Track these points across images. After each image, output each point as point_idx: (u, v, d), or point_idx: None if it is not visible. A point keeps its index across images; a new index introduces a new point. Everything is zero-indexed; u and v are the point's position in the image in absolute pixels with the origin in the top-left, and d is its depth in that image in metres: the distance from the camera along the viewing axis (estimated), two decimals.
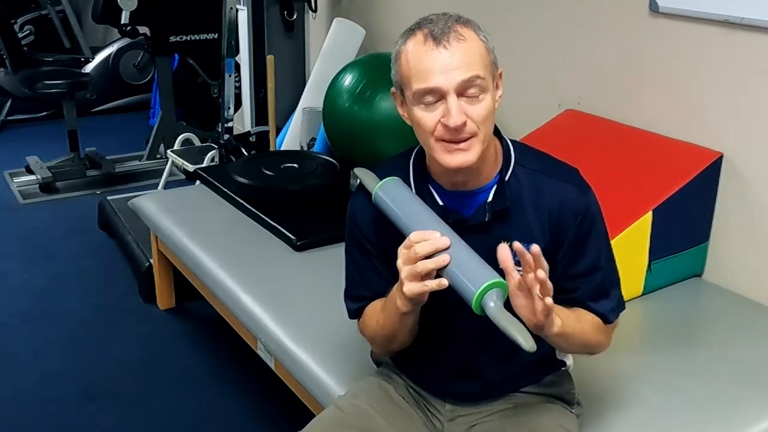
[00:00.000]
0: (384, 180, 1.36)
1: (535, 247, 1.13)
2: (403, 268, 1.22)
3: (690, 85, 2.18)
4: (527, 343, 1.12)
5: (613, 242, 1.89)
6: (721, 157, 2.10)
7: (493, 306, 1.16)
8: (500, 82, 1.31)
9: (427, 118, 1.24)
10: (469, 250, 1.23)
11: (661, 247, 2.05)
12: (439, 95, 1.22)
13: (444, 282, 1.19)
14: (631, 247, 1.98)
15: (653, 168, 2.12)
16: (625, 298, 2.01)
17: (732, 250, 2.14)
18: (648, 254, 2.03)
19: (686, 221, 2.10)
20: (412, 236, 1.22)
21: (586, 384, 1.59)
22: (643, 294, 2.07)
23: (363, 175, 1.42)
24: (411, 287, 1.22)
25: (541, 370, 1.48)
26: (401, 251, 1.23)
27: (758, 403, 1.64)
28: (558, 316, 1.21)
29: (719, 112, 2.11)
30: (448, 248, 1.21)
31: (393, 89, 1.34)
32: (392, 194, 1.33)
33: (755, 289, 2.09)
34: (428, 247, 1.20)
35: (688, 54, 2.17)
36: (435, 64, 1.21)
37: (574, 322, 1.29)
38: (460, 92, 1.22)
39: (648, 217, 1.99)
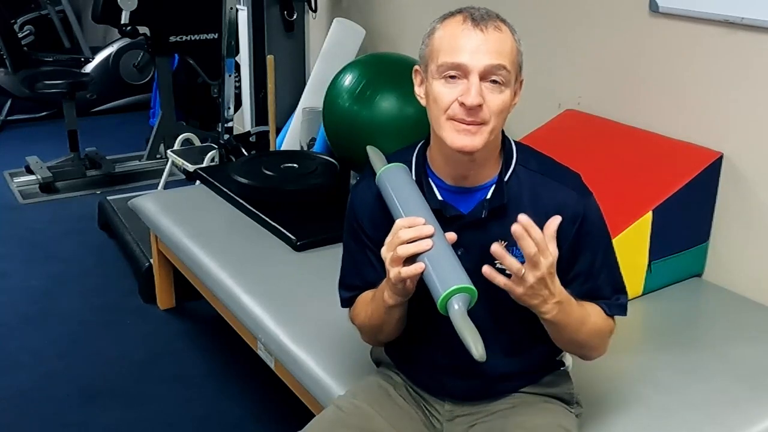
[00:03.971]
0: (391, 164, 1.38)
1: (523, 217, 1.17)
2: (387, 255, 1.24)
3: (690, 85, 2.18)
4: (478, 351, 1.14)
5: (613, 242, 1.90)
6: (721, 157, 2.10)
7: (457, 309, 1.18)
8: (519, 90, 1.33)
9: (444, 93, 1.26)
10: (449, 249, 1.24)
11: (661, 247, 2.05)
12: (464, 73, 1.24)
13: (421, 265, 1.21)
14: (631, 247, 1.98)
15: (653, 168, 2.13)
16: None
17: (732, 250, 2.14)
18: (648, 254, 2.03)
19: (686, 221, 2.10)
20: (398, 222, 1.24)
21: (585, 384, 1.59)
22: (643, 294, 2.07)
23: (373, 155, 1.44)
24: (393, 272, 1.23)
25: (540, 370, 1.48)
26: (387, 239, 1.25)
27: (758, 403, 1.64)
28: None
29: (719, 112, 2.11)
30: (431, 237, 1.22)
31: (416, 66, 1.35)
32: (394, 180, 1.35)
33: (755, 289, 2.09)
34: (411, 233, 1.21)
35: (688, 54, 2.17)
36: (468, 42, 1.24)
37: (577, 305, 1.30)
38: (484, 76, 1.24)
39: (648, 217, 1.99)
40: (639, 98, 2.33)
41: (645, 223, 2.00)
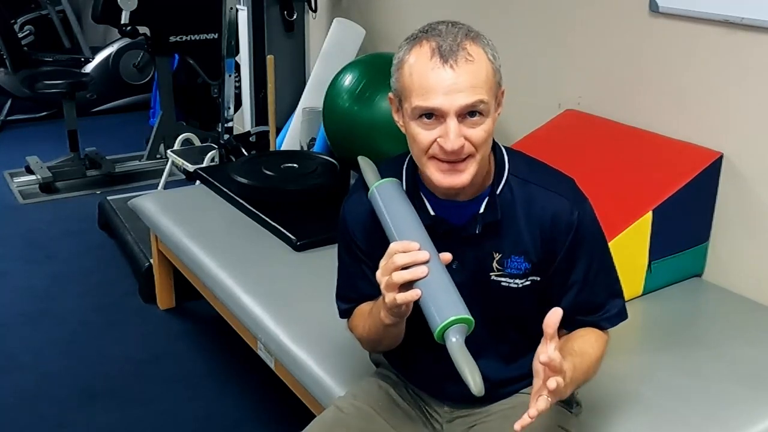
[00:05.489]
0: (384, 180, 1.34)
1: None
2: (382, 279, 1.21)
3: (690, 85, 2.18)
4: (476, 387, 1.12)
5: (613, 242, 1.90)
6: (721, 157, 2.10)
7: (455, 342, 1.16)
8: (502, 100, 1.29)
9: (423, 135, 1.22)
10: (445, 274, 1.21)
11: (661, 247, 2.05)
12: (440, 115, 1.20)
13: (417, 292, 1.18)
14: (631, 247, 1.98)
15: (653, 168, 2.12)
16: (625, 298, 2.01)
17: (732, 250, 2.14)
18: (648, 254, 2.03)
19: (686, 221, 2.10)
20: (392, 246, 1.21)
21: (585, 384, 1.59)
22: (643, 294, 2.07)
23: (365, 166, 1.40)
24: (388, 298, 1.21)
25: None
26: (381, 262, 1.22)
27: (758, 403, 1.64)
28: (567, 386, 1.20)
29: (719, 112, 2.11)
30: (426, 262, 1.19)
31: (391, 95, 1.31)
32: (387, 197, 1.31)
33: (755, 289, 2.08)
34: (406, 259, 1.18)
35: (688, 54, 2.17)
36: (439, 83, 1.18)
37: (579, 359, 1.28)
38: (461, 113, 1.19)
39: (648, 217, 1.99)
40: (639, 98, 2.33)
41: (645, 223, 2.00)
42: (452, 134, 1.19)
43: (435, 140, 1.21)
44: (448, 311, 1.17)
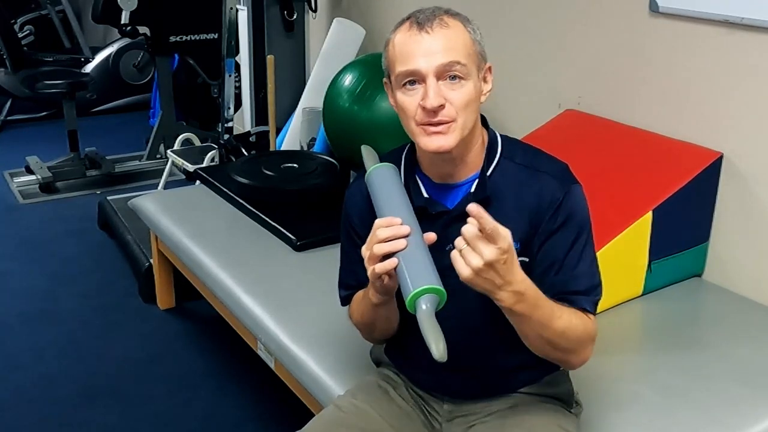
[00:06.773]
0: (380, 164, 1.40)
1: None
2: (365, 253, 1.25)
3: (690, 85, 2.18)
4: (439, 351, 1.14)
5: (613, 242, 1.90)
6: (721, 157, 2.10)
7: (424, 309, 1.18)
8: (489, 77, 1.34)
9: (407, 101, 1.28)
10: (424, 249, 1.25)
11: (661, 247, 2.05)
12: (420, 78, 1.26)
13: (394, 261, 1.21)
14: (631, 247, 1.98)
15: (653, 168, 2.12)
16: (625, 298, 2.01)
17: (732, 250, 2.14)
18: (648, 254, 2.03)
19: (686, 221, 2.10)
20: (377, 222, 1.25)
21: (585, 384, 1.59)
22: (643, 294, 2.07)
23: (366, 154, 1.47)
24: (369, 270, 1.24)
25: (539, 365, 1.46)
26: (368, 238, 1.26)
27: (758, 403, 1.64)
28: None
29: (719, 112, 2.11)
30: (407, 236, 1.23)
31: (384, 79, 1.38)
32: (381, 180, 1.37)
33: (755, 289, 2.08)
34: (388, 232, 1.23)
35: (688, 54, 2.17)
36: (416, 47, 1.26)
37: (550, 302, 1.26)
38: (440, 76, 1.25)
39: (648, 217, 1.99)
40: (639, 98, 2.33)
41: (645, 223, 2.00)
42: (431, 92, 1.24)
43: (418, 105, 1.26)
44: (421, 281, 1.20)
